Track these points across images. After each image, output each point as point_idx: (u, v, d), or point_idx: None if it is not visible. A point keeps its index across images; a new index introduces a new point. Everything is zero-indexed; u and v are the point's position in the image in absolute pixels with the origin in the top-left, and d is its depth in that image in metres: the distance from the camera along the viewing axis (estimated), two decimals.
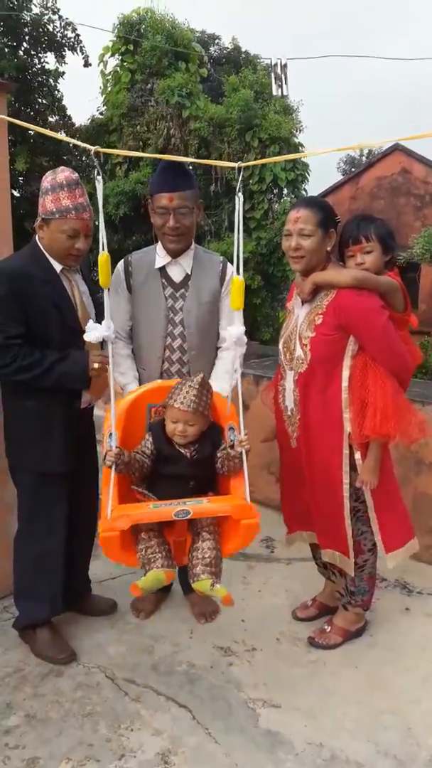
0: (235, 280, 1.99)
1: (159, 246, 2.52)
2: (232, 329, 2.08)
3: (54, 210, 2.21)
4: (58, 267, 2.33)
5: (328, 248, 2.32)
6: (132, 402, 2.31)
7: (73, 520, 2.51)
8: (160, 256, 2.50)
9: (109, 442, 2.06)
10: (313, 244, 2.27)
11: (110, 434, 2.08)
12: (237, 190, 1.79)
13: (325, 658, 2.49)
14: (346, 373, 2.29)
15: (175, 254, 2.48)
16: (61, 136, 2.13)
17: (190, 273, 2.50)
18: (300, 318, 2.40)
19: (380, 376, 2.24)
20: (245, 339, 2.10)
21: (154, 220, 2.43)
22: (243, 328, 2.10)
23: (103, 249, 1.90)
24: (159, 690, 2.29)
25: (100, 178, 1.74)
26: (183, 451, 2.14)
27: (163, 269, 2.50)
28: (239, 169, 1.74)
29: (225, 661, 2.47)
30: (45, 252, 2.31)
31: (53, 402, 2.34)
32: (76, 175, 2.26)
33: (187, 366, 2.51)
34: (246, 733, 2.09)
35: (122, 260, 2.58)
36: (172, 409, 2.10)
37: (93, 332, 2.03)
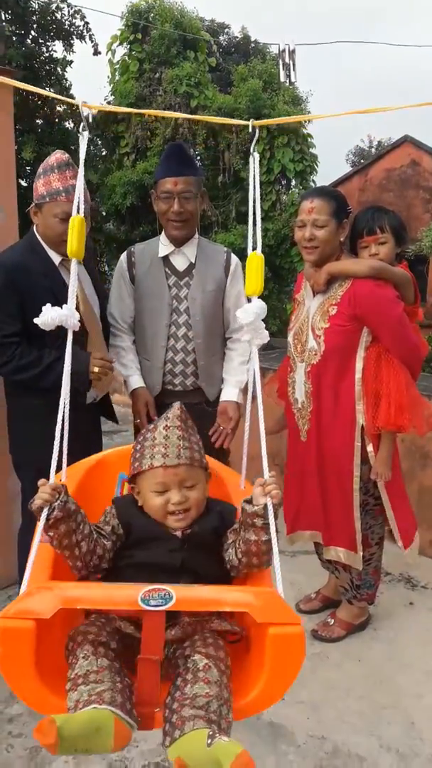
0: (253, 255, 1.53)
1: (162, 235, 2.51)
2: (243, 311, 1.52)
3: (45, 193, 2.16)
4: (56, 258, 2.26)
5: (342, 238, 2.30)
6: (94, 465, 1.71)
7: None
8: (163, 244, 2.49)
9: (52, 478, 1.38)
10: (327, 235, 2.25)
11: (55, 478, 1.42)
12: (252, 149, 1.62)
13: (328, 651, 2.49)
14: (359, 365, 2.28)
15: (179, 242, 2.46)
16: (50, 93, 2.02)
17: (194, 262, 2.49)
18: (312, 309, 2.38)
19: (394, 367, 2.23)
20: (262, 325, 1.53)
21: (158, 207, 2.42)
22: (260, 306, 1.52)
23: (78, 212, 1.59)
24: None
25: (85, 134, 1.62)
26: (169, 528, 1.41)
27: (166, 258, 2.49)
28: (253, 129, 1.69)
29: None
30: (42, 242, 2.26)
31: (56, 399, 2.29)
32: (67, 156, 2.21)
33: (192, 355, 2.49)
34: (249, 725, 2.10)
35: (125, 251, 2.57)
36: (152, 472, 1.40)
37: (44, 315, 1.62)
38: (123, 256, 2.55)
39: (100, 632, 1.21)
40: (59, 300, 2.22)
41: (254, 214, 1.52)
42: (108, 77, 9.67)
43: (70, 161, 2.19)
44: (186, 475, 1.41)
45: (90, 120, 1.68)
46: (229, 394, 2.53)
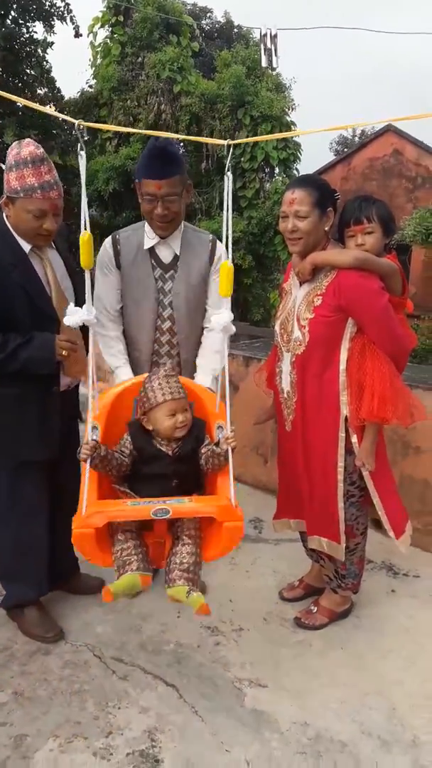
0: (224, 265, 1.84)
1: (147, 226, 2.47)
2: (219, 317, 1.95)
3: (18, 188, 2.10)
4: (26, 247, 2.21)
5: (326, 228, 2.29)
6: (117, 395, 2.22)
7: (57, 500, 2.49)
8: (149, 237, 2.45)
9: (89, 435, 1.97)
10: (309, 226, 2.24)
11: (93, 427, 2.00)
12: (226, 168, 1.71)
13: (311, 639, 2.51)
14: (344, 356, 2.28)
15: (163, 234, 2.44)
16: (49, 110, 2.01)
17: (179, 254, 2.46)
18: (298, 299, 2.38)
19: (378, 359, 2.23)
20: (233, 328, 1.98)
21: (143, 206, 2.37)
22: (230, 315, 1.95)
23: (85, 228, 1.75)
24: (146, 669, 2.31)
25: (83, 153, 1.66)
26: (164, 449, 2.05)
27: (152, 250, 2.46)
28: (229, 146, 1.68)
29: (212, 640, 2.48)
30: (12, 231, 2.20)
31: (27, 389, 2.25)
32: (42, 150, 2.14)
33: (177, 348, 2.48)
34: (232, 712, 2.11)
35: (109, 237, 2.51)
36: (165, 404, 2.02)
37: (73, 316, 1.88)
38: (107, 243, 2.49)
39: (127, 525, 1.97)
40: (29, 289, 2.21)
41: (227, 230, 1.82)
42: (90, 60, 9.56)
43: (45, 155, 2.13)
44: (184, 404, 2.06)
45: (85, 137, 1.71)
46: (202, 380, 2.48)
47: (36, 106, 1.97)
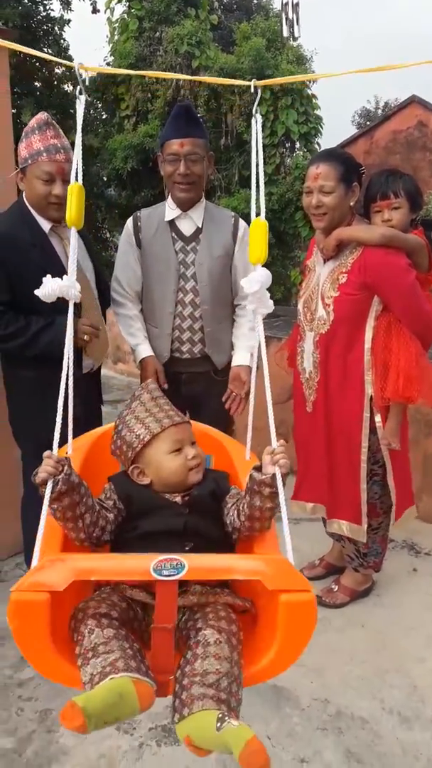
0: (256, 222, 1.46)
1: (169, 199, 2.47)
2: (253, 274, 1.46)
3: (27, 156, 2.10)
4: (46, 226, 2.20)
5: (351, 203, 2.25)
6: (99, 437, 1.70)
7: None
8: (170, 208, 2.46)
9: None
10: (335, 201, 2.20)
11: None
12: (254, 110, 1.55)
13: (331, 617, 2.52)
14: (369, 335, 2.25)
15: (185, 205, 2.42)
16: (46, 54, 1.94)
17: (201, 226, 2.45)
18: (322, 276, 2.34)
19: (404, 337, 2.20)
20: (269, 301, 1.49)
21: (164, 169, 2.38)
22: (265, 274, 1.46)
23: (76, 179, 1.53)
24: None
25: (82, 97, 1.58)
26: (169, 496, 1.47)
27: (172, 222, 2.45)
28: (255, 89, 1.63)
29: None
30: (31, 209, 2.20)
31: (51, 372, 2.21)
32: (47, 115, 2.14)
33: (200, 322, 2.47)
34: (253, 689, 2.11)
35: (131, 216, 2.53)
36: (164, 434, 1.48)
37: (45, 287, 1.57)
38: (129, 221, 2.51)
39: (99, 605, 1.23)
40: (49, 270, 2.17)
41: (257, 178, 1.46)
42: (107, 37, 9.43)
43: (50, 120, 2.13)
44: (190, 432, 1.51)
45: (87, 82, 1.62)
46: (241, 358, 2.50)
47: (33, 51, 1.74)
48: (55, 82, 8.96)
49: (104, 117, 9.70)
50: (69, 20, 9.03)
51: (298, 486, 2.62)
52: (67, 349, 1.51)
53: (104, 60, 9.65)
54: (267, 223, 1.45)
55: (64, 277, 1.56)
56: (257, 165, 1.46)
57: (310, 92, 8.67)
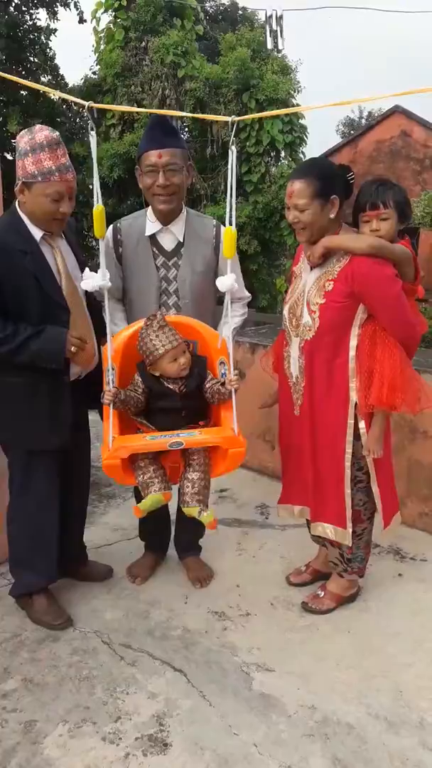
0: (228, 230, 2.04)
1: (149, 211, 2.44)
2: (224, 278, 2.13)
3: (36, 173, 2.09)
4: (38, 234, 2.21)
5: (332, 215, 2.25)
6: (129, 337, 2.33)
7: (67, 487, 2.51)
8: (150, 221, 2.43)
9: (107, 377, 2.17)
10: (309, 218, 2.21)
11: (108, 369, 2.17)
12: (230, 143, 1.78)
13: (318, 623, 2.52)
14: (353, 342, 2.26)
15: (166, 219, 2.40)
16: (58, 92, 2.05)
17: (182, 240, 2.43)
18: (308, 283, 2.35)
19: (389, 345, 2.21)
20: (246, 293, 2.15)
21: (143, 182, 2.35)
22: (233, 277, 2.14)
23: (97, 201, 1.89)
24: (154, 654, 2.32)
25: (93, 133, 1.74)
26: (172, 387, 2.27)
27: (153, 237, 2.43)
28: (232, 123, 1.68)
29: (220, 625, 2.50)
30: (25, 218, 2.20)
31: (38, 378, 2.24)
32: (57, 133, 2.14)
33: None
34: (240, 696, 2.13)
35: (111, 227, 2.47)
36: (166, 354, 2.20)
37: (89, 281, 2.04)
38: (108, 233, 2.45)
39: (146, 454, 2.23)
40: (40, 277, 2.20)
41: (231, 198, 1.92)
42: (93, 46, 9.48)
43: (59, 139, 2.13)
44: (182, 347, 2.23)
45: (95, 116, 1.77)
46: (225, 333, 2.43)
47: (47, 89, 2.02)
48: (41, 91, 8.97)
49: (96, 117, 9.72)
50: (55, 29, 9.08)
51: (285, 490, 2.62)
52: (109, 330, 2.23)
53: (90, 69, 9.68)
54: (236, 233, 2.04)
55: (99, 272, 2.02)
56: (230, 196, 1.93)
57: (295, 102, 8.75)
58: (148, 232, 2.42)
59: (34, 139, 2.10)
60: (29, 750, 1.91)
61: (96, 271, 2.07)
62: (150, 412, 2.33)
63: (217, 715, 2.04)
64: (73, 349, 2.17)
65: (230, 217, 1.99)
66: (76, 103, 9.38)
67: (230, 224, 2.03)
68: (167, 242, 2.44)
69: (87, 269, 2.06)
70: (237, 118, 1.71)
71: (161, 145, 2.27)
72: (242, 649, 2.35)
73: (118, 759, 1.88)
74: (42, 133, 2.10)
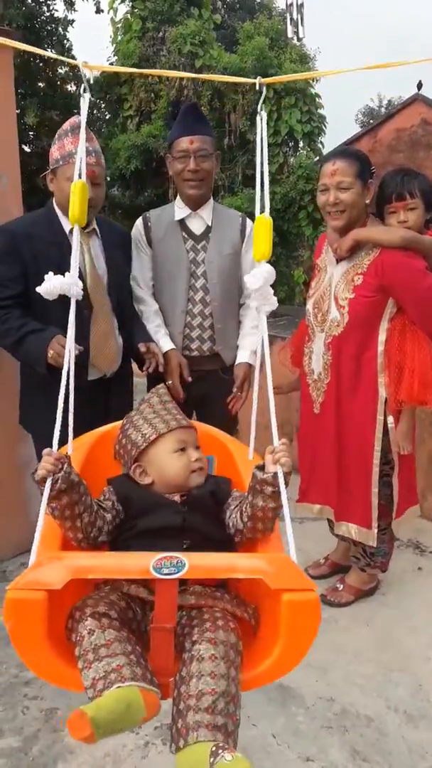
0: (260, 219, 1.48)
1: (178, 199, 2.50)
2: (256, 270, 1.48)
3: (59, 157, 2.13)
4: (68, 227, 2.18)
5: (367, 201, 2.22)
6: (99, 438, 1.68)
7: None
8: (179, 207, 2.48)
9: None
10: (353, 197, 2.18)
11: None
12: (259, 108, 1.56)
13: (336, 616, 2.52)
14: (382, 337, 2.23)
15: (195, 203, 2.44)
16: (50, 53, 1.95)
17: (210, 225, 2.47)
18: (335, 277, 2.32)
19: (419, 340, 2.18)
20: (273, 297, 1.50)
21: (174, 167, 2.41)
22: (268, 270, 1.47)
23: (80, 176, 1.56)
24: None
25: (86, 95, 1.57)
26: (168, 495, 1.47)
27: (182, 222, 2.47)
28: (260, 86, 1.62)
29: None
30: (57, 210, 2.22)
31: (54, 372, 2.10)
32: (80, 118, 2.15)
33: (210, 319, 2.48)
34: (258, 688, 2.13)
35: (140, 217, 2.55)
36: (170, 435, 1.51)
37: (46, 283, 1.57)
38: (139, 222, 2.53)
39: (98, 604, 1.20)
40: (64, 269, 2.17)
41: (262, 176, 1.46)
42: (110, 37, 9.45)
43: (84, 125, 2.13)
44: (195, 437, 1.53)
45: (90, 81, 1.62)
46: (242, 356, 2.53)
47: (39, 50, 1.71)
48: (59, 83, 8.97)
49: (107, 117, 9.72)
50: (72, 21, 9.05)
51: (304, 488, 2.59)
52: (69, 346, 1.53)
53: (107, 60, 9.65)
54: (271, 220, 1.47)
55: (67, 274, 1.55)
56: (261, 163, 1.47)
57: (313, 91, 8.66)
58: (177, 217, 2.47)
59: (62, 128, 2.15)
60: (50, 737, 1.94)
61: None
62: (124, 541, 1.41)
63: None
64: (50, 352, 2.00)
65: (262, 201, 1.50)
66: (93, 95, 9.37)
67: (262, 211, 1.49)
68: (196, 226, 2.47)
69: (50, 273, 1.62)
70: (265, 80, 1.61)
71: (193, 132, 2.33)
72: None
73: (137, 747, 1.90)
74: (69, 121, 2.15)
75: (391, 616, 2.52)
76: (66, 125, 2.15)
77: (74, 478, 1.31)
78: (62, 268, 2.11)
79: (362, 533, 2.39)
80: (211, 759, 1.00)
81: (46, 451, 1.31)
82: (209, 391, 2.51)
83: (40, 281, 1.99)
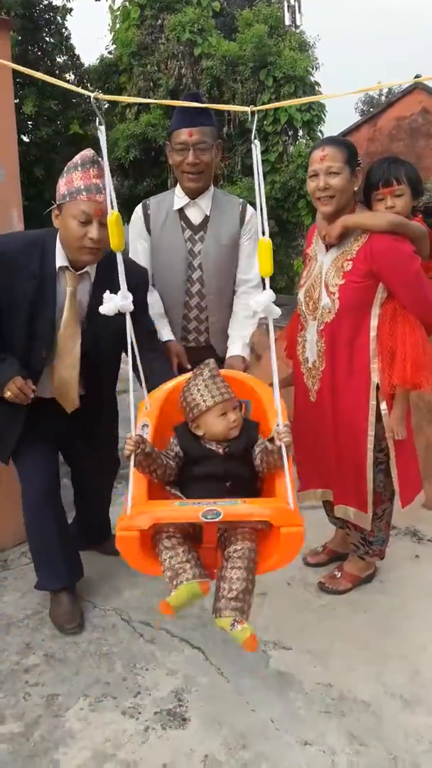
0: (261, 242, 1.62)
1: (177, 187, 2.49)
2: (259, 297, 1.69)
3: (65, 193, 1.99)
4: (59, 262, 2.10)
5: (355, 188, 2.25)
6: (168, 393, 2.08)
7: (81, 471, 2.58)
8: (178, 197, 2.47)
9: (137, 432, 1.83)
10: (342, 182, 2.19)
11: (143, 425, 1.94)
12: (252, 137, 1.59)
13: (334, 603, 2.54)
14: (374, 323, 2.25)
15: (194, 194, 2.44)
16: (66, 83, 1.85)
17: (209, 214, 2.46)
18: (325, 264, 2.34)
19: (410, 324, 2.20)
20: (276, 309, 1.72)
21: (173, 159, 2.40)
22: (271, 295, 1.69)
23: (112, 208, 1.60)
24: (173, 632, 2.36)
25: (102, 128, 1.54)
26: (214, 448, 1.91)
27: (181, 211, 2.47)
28: (252, 113, 1.62)
29: None
30: (58, 243, 2.10)
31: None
32: (93, 153, 2.01)
33: (206, 312, 2.48)
34: (257, 674, 2.16)
35: (140, 204, 2.54)
36: (216, 407, 1.88)
37: (108, 303, 1.68)
38: (138, 209, 2.52)
39: (170, 528, 1.76)
40: (36, 307, 2.09)
41: (260, 198, 1.62)
42: (108, 25, 9.39)
43: (96, 158, 1.99)
44: (234, 402, 1.94)
45: (103, 109, 1.59)
46: (234, 349, 2.51)
47: (55, 81, 1.71)
48: (57, 72, 8.91)
49: (106, 107, 9.66)
50: (71, 9, 8.98)
51: (305, 478, 2.58)
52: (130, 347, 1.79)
53: (106, 48, 9.59)
54: (271, 243, 1.65)
55: (119, 293, 1.67)
56: (259, 189, 1.62)
57: (313, 80, 8.62)
58: (176, 206, 2.46)
59: (72, 160, 2.02)
60: (51, 723, 1.96)
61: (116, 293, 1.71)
62: (185, 481, 1.93)
63: (235, 692, 2.08)
64: (8, 394, 2.06)
65: (262, 224, 1.62)
66: (90, 85, 9.31)
67: (263, 234, 1.62)
68: (194, 216, 2.47)
69: (107, 292, 1.70)
70: (256, 108, 1.59)
71: (192, 124, 2.31)
72: (259, 627, 2.38)
73: (137, 732, 1.92)
74: (81, 153, 2.02)
75: (389, 604, 2.54)
76: (77, 158, 2.01)
77: (148, 450, 1.79)
78: (32, 306, 2.08)
79: (359, 516, 2.41)
80: (230, 627, 1.64)
81: (128, 435, 1.77)
82: None
83: (6, 310, 2.07)
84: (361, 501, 2.39)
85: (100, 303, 1.70)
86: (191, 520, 1.69)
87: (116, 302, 1.68)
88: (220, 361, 2.54)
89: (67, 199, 1.99)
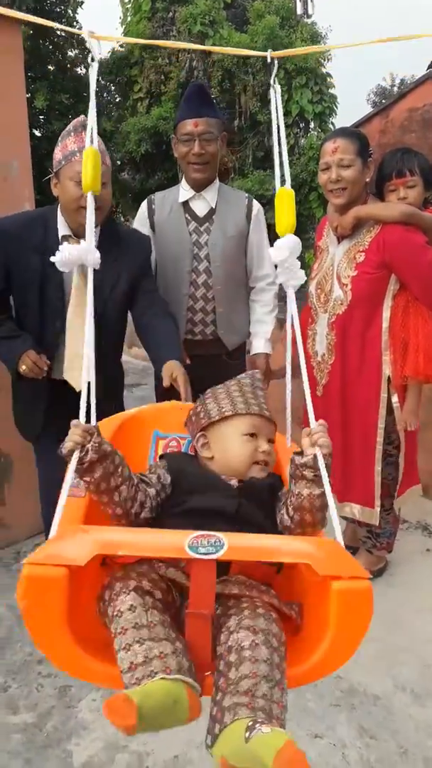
0: (282, 191, 1.39)
1: (183, 181, 2.49)
2: (279, 242, 1.38)
3: (61, 158, 2.01)
4: (62, 231, 2.08)
5: (367, 179, 2.25)
6: (129, 419, 1.52)
7: None
8: (184, 189, 2.48)
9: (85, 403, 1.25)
10: (354, 174, 2.20)
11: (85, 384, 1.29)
12: (272, 81, 1.49)
13: None
14: (386, 314, 2.24)
15: (199, 186, 2.44)
16: (61, 26, 1.81)
17: (214, 207, 2.46)
18: (337, 256, 2.34)
19: (422, 316, 2.20)
20: (297, 264, 1.41)
21: (178, 150, 2.40)
22: (294, 241, 1.38)
23: (91, 142, 1.46)
24: None
25: (95, 64, 1.51)
26: (225, 477, 1.32)
27: (186, 204, 2.47)
28: (272, 59, 1.59)
29: None
30: (59, 213, 2.10)
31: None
32: (84, 117, 1.99)
33: (212, 303, 2.49)
34: None
35: (146, 199, 2.56)
36: (246, 418, 1.35)
37: (60, 254, 1.46)
38: (144, 204, 2.54)
39: (142, 579, 1.06)
40: (44, 281, 2.08)
41: (280, 149, 1.39)
42: (120, 18, 9.37)
43: (86, 122, 1.97)
44: (272, 430, 1.38)
45: (99, 52, 1.57)
46: (257, 346, 2.53)
47: (48, 23, 1.67)
48: (68, 65, 8.91)
49: (117, 100, 9.66)
50: (82, 2, 8.96)
51: None
52: (88, 326, 1.39)
53: (117, 42, 9.55)
54: (293, 192, 1.40)
55: (82, 241, 1.46)
56: (278, 137, 1.41)
57: (324, 71, 8.55)
58: (181, 199, 2.47)
59: (66, 129, 2.04)
60: (64, 714, 1.98)
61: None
62: (172, 517, 1.24)
63: None
64: (23, 368, 2.04)
65: (282, 173, 1.40)
66: (102, 78, 9.27)
67: (283, 183, 1.39)
68: (200, 208, 2.47)
69: (66, 243, 1.54)
70: (276, 53, 1.55)
71: (197, 114, 2.31)
72: None
73: None
74: (73, 121, 2.04)
75: (399, 598, 2.54)
76: (69, 126, 2.03)
77: (107, 448, 1.17)
78: (42, 278, 2.07)
79: (365, 512, 2.41)
80: (247, 734, 0.84)
81: (73, 422, 1.17)
82: (213, 375, 2.51)
83: (19, 287, 2.04)
84: (368, 496, 2.39)
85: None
86: (170, 553, 1.02)
87: (78, 250, 1.44)
88: (229, 354, 2.54)
89: (63, 163, 2.00)
